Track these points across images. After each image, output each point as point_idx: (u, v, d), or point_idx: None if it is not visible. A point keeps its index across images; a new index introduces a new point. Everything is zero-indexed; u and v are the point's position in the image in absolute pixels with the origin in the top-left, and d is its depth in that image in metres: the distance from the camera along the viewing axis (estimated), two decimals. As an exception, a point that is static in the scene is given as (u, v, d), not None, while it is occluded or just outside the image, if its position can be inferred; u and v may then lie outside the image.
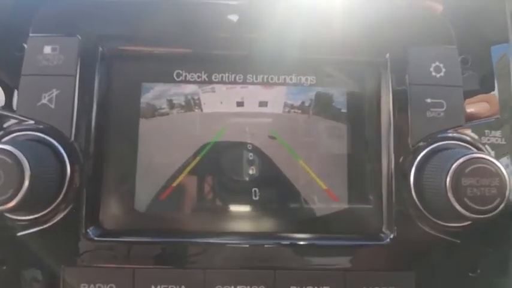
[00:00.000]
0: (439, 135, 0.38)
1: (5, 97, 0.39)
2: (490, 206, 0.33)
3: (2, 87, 0.39)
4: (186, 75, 0.41)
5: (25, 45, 0.38)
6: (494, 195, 0.33)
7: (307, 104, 0.41)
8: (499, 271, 0.39)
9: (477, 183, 0.33)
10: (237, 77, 0.41)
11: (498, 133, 0.39)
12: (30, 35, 0.39)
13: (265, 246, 0.38)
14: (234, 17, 0.40)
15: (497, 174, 0.33)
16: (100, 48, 0.39)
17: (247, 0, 0.41)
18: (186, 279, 0.37)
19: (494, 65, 0.41)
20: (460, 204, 0.33)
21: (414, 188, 0.37)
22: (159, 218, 0.39)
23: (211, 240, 0.38)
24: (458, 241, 0.38)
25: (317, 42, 0.40)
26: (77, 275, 0.37)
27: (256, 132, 0.41)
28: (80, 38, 0.38)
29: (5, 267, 0.37)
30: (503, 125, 0.39)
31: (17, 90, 0.38)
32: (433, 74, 0.39)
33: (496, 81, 0.41)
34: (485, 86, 0.41)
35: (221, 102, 0.41)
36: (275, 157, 0.40)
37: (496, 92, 0.41)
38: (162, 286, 0.37)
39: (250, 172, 0.40)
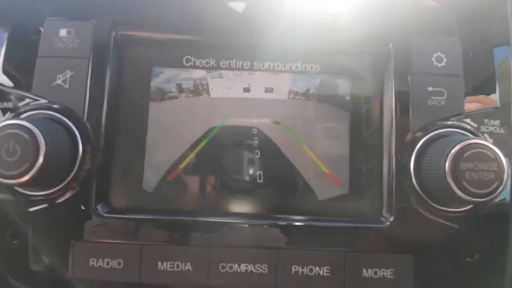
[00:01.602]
0: (439, 123, 0.39)
1: (21, 78, 0.40)
2: (488, 190, 0.34)
3: (19, 69, 0.40)
4: (195, 61, 0.42)
5: (41, 29, 0.40)
6: (492, 180, 0.34)
7: (311, 91, 0.42)
8: (496, 257, 0.40)
9: (475, 167, 0.34)
10: (244, 64, 0.42)
11: (497, 122, 0.40)
12: (47, 18, 0.40)
13: (269, 227, 0.39)
14: (241, 6, 0.41)
15: (495, 159, 0.34)
16: (113, 33, 0.40)
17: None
18: (192, 257, 0.38)
19: (496, 67, 0.42)
20: (459, 188, 0.34)
21: (414, 173, 0.38)
22: (166, 198, 0.41)
23: (216, 220, 0.39)
24: (457, 226, 0.39)
25: (323, 32, 0.41)
26: (86, 249, 0.38)
27: (262, 117, 0.42)
28: (94, 22, 0.40)
29: (16, 242, 0.38)
30: (502, 115, 0.40)
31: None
32: (435, 63, 0.40)
33: (497, 83, 0.41)
34: (487, 87, 0.41)
35: (228, 88, 0.42)
36: (279, 141, 0.41)
37: (497, 94, 0.41)
38: (169, 263, 0.38)
39: (255, 156, 0.41)
